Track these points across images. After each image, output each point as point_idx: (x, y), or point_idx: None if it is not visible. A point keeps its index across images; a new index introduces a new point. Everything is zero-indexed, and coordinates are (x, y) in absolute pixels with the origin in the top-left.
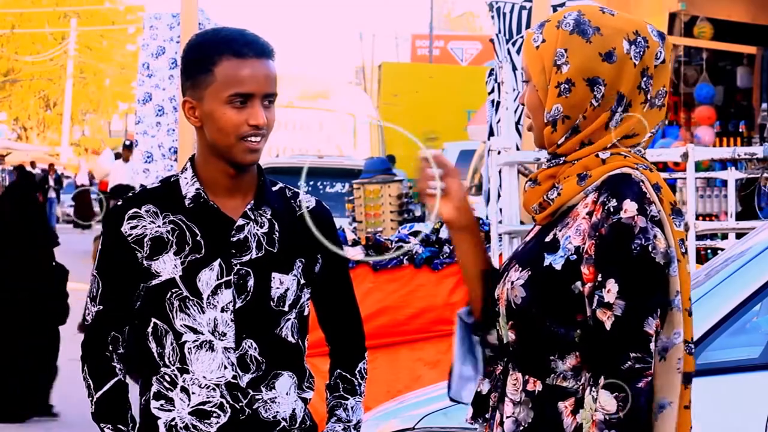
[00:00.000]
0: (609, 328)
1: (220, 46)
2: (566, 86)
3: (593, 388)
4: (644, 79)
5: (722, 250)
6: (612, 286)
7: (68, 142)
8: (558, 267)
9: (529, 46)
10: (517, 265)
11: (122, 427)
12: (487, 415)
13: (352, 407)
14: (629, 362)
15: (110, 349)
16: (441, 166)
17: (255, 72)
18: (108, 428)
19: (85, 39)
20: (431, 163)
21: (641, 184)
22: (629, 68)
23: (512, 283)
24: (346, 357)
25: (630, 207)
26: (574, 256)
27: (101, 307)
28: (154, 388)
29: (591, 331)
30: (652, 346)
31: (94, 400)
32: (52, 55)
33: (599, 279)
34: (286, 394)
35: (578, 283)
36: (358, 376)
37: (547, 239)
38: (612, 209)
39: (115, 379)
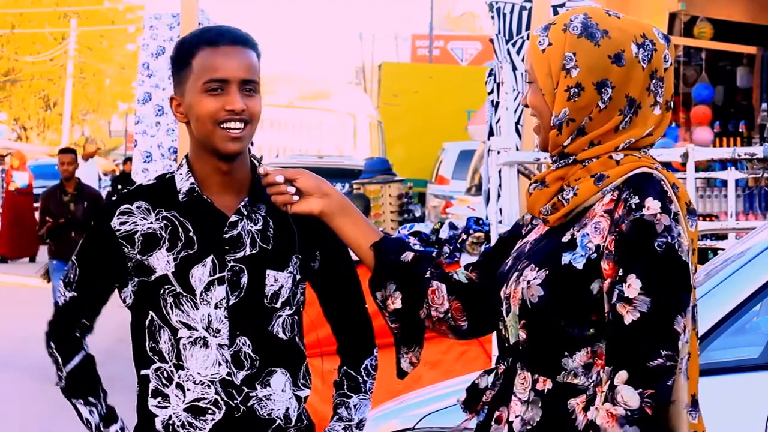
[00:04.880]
0: (628, 323)
1: (197, 40)
2: (576, 90)
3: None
4: (653, 81)
5: (722, 250)
6: (633, 281)
7: (68, 142)
8: (579, 266)
9: (535, 49)
10: (532, 264)
11: (93, 400)
12: (477, 408)
13: (355, 405)
14: (660, 359)
15: (78, 333)
16: (278, 175)
17: (228, 58)
18: (80, 403)
19: (85, 39)
20: (271, 178)
21: (662, 182)
22: (638, 71)
23: (528, 282)
24: (351, 354)
25: (653, 205)
26: (595, 255)
27: (75, 294)
28: (152, 385)
29: (609, 325)
30: (680, 344)
31: (64, 375)
32: (52, 55)
33: (620, 274)
34: (282, 391)
35: (597, 281)
36: (363, 374)
37: (565, 239)
38: (634, 206)
39: (84, 353)
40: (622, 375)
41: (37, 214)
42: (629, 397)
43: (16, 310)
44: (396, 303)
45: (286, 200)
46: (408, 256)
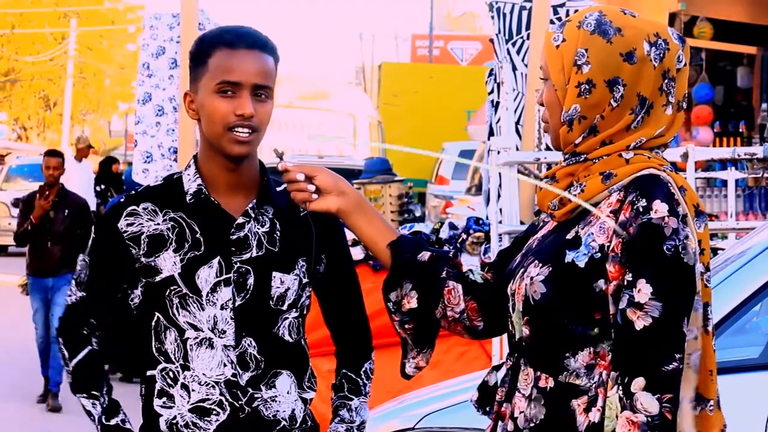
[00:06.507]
0: (640, 328)
1: (215, 39)
2: (587, 86)
3: (619, 388)
4: (665, 81)
5: (722, 250)
6: (643, 286)
7: (68, 142)
8: (581, 264)
9: (549, 45)
10: (536, 261)
11: (96, 393)
12: (491, 408)
13: (356, 408)
14: (674, 363)
15: (86, 331)
16: (299, 172)
17: (244, 62)
18: (83, 397)
19: (85, 39)
20: (292, 174)
21: (669, 185)
22: (649, 70)
23: (532, 278)
24: (351, 357)
25: (660, 208)
26: (599, 254)
27: (84, 293)
28: (158, 385)
29: (617, 330)
30: (685, 345)
31: (70, 369)
32: (52, 55)
33: (629, 278)
34: (287, 393)
35: (601, 282)
36: (363, 377)
37: (569, 236)
38: (641, 209)
39: (89, 348)
40: (640, 382)
41: (7, 221)
42: (648, 403)
43: (16, 311)
44: (412, 302)
45: (306, 198)
46: (425, 255)
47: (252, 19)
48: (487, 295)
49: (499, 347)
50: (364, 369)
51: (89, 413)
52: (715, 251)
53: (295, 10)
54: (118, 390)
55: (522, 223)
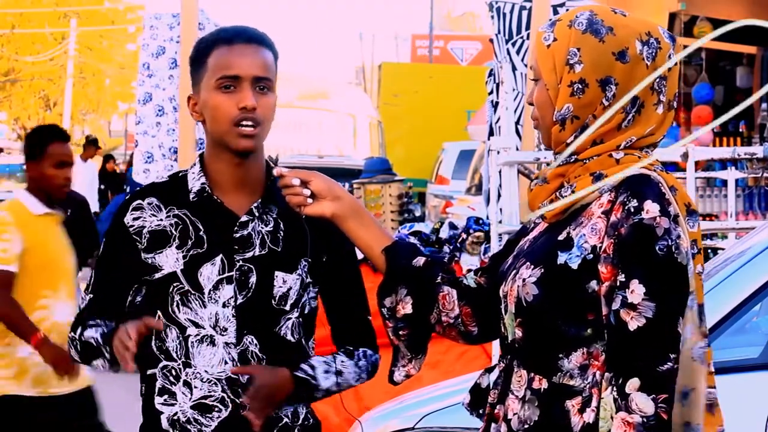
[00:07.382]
0: (633, 329)
1: (212, 39)
2: (579, 86)
3: (614, 389)
4: (657, 80)
5: (722, 250)
6: (636, 287)
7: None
8: (574, 266)
9: (540, 45)
10: (528, 263)
11: (100, 321)
12: (484, 410)
13: (365, 354)
14: (669, 363)
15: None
16: (294, 177)
17: (242, 56)
18: (89, 327)
19: (85, 39)
20: (287, 179)
21: (660, 185)
22: (641, 69)
23: (524, 280)
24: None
25: (652, 208)
26: (591, 256)
27: (92, 295)
28: (159, 383)
29: (611, 331)
30: (680, 346)
31: (79, 344)
32: (52, 55)
33: (622, 279)
34: None
35: (593, 283)
36: (361, 356)
37: (560, 237)
38: (633, 209)
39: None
40: (634, 383)
41: None
42: (644, 404)
43: None
44: (407, 308)
45: (301, 202)
46: (419, 260)
47: (252, 19)
48: (481, 300)
49: (499, 347)
50: (365, 353)
51: (89, 344)
52: (715, 251)
53: (295, 10)
54: (111, 386)
55: (522, 222)
